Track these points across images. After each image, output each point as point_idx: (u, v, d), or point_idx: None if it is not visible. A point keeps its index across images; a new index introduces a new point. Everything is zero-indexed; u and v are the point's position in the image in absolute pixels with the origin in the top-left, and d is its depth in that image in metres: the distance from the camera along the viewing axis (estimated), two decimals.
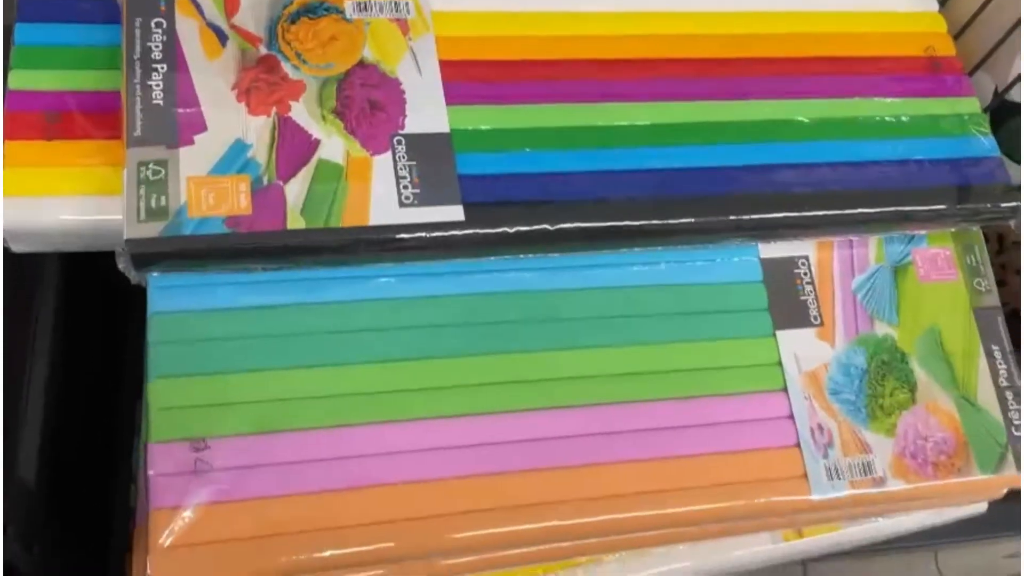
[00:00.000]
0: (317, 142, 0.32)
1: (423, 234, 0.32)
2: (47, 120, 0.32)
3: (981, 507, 0.41)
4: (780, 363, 0.36)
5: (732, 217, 0.35)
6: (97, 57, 0.34)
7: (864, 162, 0.38)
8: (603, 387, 0.34)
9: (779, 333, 0.36)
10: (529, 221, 0.33)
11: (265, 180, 0.31)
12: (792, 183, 0.36)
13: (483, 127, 0.34)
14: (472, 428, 0.32)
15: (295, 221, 0.31)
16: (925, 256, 0.39)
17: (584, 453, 0.33)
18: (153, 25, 0.33)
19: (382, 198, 0.32)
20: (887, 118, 0.39)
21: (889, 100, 0.39)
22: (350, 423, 0.31)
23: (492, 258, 0.33)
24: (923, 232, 0.39)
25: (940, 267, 0.39)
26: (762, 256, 0.37)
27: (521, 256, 0.34)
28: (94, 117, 0.33)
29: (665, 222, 0.34)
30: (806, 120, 0.38)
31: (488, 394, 0.33)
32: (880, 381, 0.37)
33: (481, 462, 0.31)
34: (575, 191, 0.34)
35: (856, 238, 0.38)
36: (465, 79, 0.35)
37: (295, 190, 0.31)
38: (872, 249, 0.39)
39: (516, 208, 0.33)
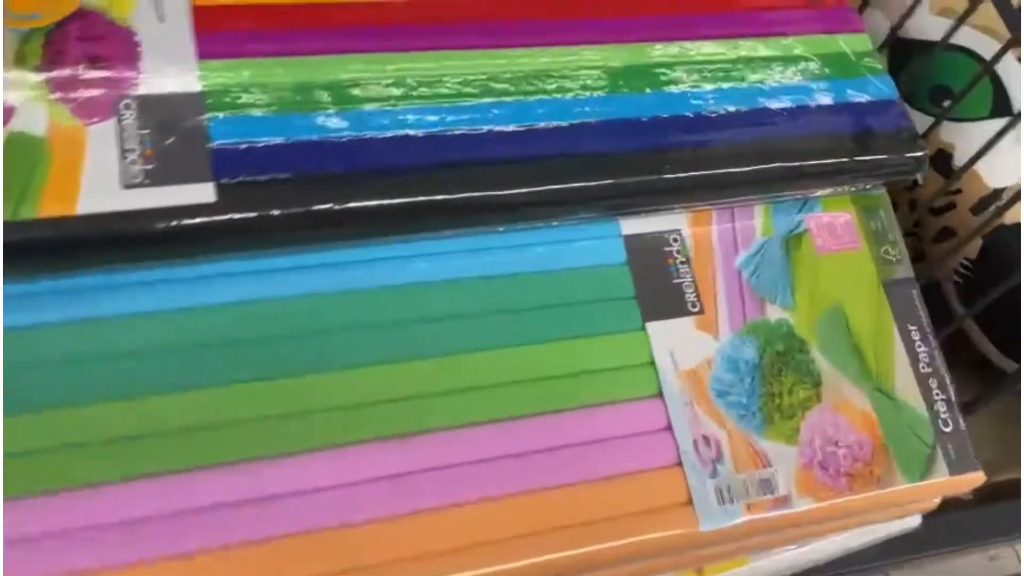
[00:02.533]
0: (10, 111, 0.24)
1: (157, 223, 0.24)
2: None
3: (914, 521, 0.34)
4: (653, 362, 0.29)
5: (578, 184, 0.28)
6: None
7: (738, 113, 0.31)
8: (428, 410, 0.27)
9: (650, 325, 0.29)
10: (310, 200, 0.25)
11: None
12: (654, 141, 0.30)
13: (246, 86, 0.26)
14: (236, 479, 0.24)
15: None
16: (821, 223, 0.33)
17: (406, 497, 0.26)
18: None
19: (97, 178, 0.24)
20: (762, 60, 0.32)
21: (764, 39, 0.32)
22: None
23: (264, 254, 0.26)
24: (817, 195, 0.33)
25: (840, 235, 0.33)
26: (624, 233, 0.31)
27: (306, 250, 0.26)
28: None
29: (489, 194, 0.27)
30: (660, 65, 0.31)
31: (269, 431, 0.25)
32: (776, 377, 0.30)
33: (247, 525, 0.24)
34: (371, 159, 0.26)
35: (738, 207, 0.32)
36: (224, 27, 0.27)
37: None
38: (758, 219, 0.32)
39: (291, 185, 0.25)
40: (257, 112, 0.26)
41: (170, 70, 0.26)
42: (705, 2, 0.32)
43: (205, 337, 0.25)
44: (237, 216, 0.24)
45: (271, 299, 0.26)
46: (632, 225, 0.30)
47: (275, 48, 0.27)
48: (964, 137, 0.37)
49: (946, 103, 0.36)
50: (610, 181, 0.28)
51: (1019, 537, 0.38)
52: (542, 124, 0.28)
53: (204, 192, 0.24)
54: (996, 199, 0.36)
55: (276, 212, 0.25)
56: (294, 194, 0.25)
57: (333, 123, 0.26)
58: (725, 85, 0.32)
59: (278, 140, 0.26)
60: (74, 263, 0.24)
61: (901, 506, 0.31)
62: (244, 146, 0.25)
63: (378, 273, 0.28)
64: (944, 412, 0.31)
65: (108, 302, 0.25)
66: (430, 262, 0.28)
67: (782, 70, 0.32)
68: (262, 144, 0.26)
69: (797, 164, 0.31)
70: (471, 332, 0.28)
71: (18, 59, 0.25)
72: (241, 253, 0.25)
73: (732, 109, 0.31)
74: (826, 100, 0.32)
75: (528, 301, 0.29)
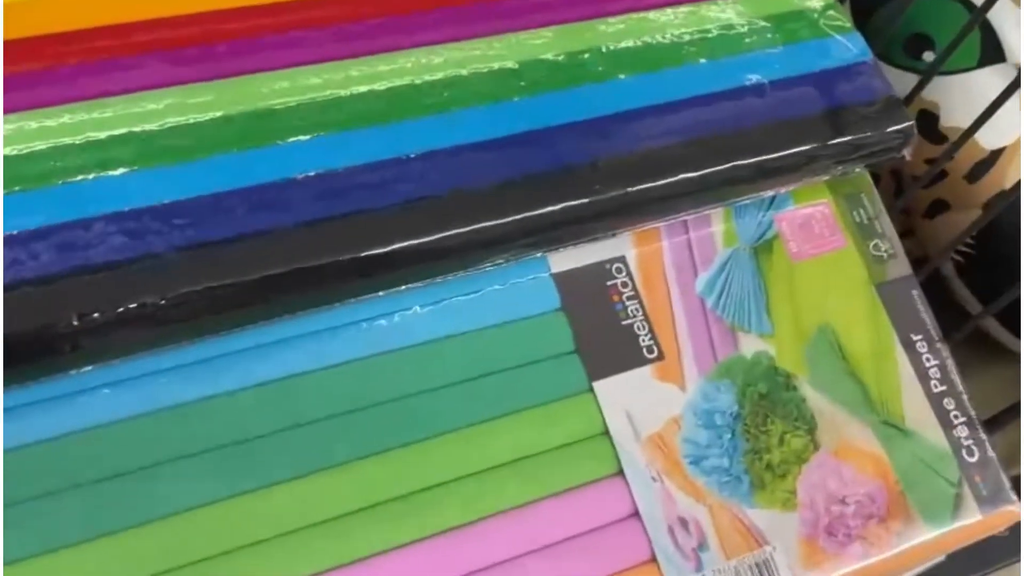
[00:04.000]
0: None
1: None
2: None
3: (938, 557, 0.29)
4: (606, 431, 0.23)
5: (479, 225, 0.22)
6: None
7: (675, 105, 0.25)
8: (346, 532, 0.21)
9: (598, 385, 0.24)
10: (140, 290, 0.19)
11: None
12: (572, 154, 0.24)
13: (39, 146, 0.20)
14: None
15: None
16: (794, 222, 0.27)
17: None
18: None
19: None
20: (695, 34, 0.26)
21: (694, 5, 0.26)
22: None
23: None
24: (785, 189, 0.27)
25: (818, 234, 0.27)
26: (554, 271, 0.24)
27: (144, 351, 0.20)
28: None
29: (368, 254, 0.21)
30: (564, 56, 0.25)
31: None
32: (761, 427, 0.24)
33: None
34: (196, 228, 0.20)
35: (690, 216, 0.26)
36: (11, 70, 0.21)
37: None
38: (717, 226, 0.26)
39: (89, 279, 0.19)
40: (57, 180, 0.19)
41: None
42: None
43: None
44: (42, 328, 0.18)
45: (150, 413, 0.20)
46: (563, 259, 0.24)
47: (47, 96, 0.20)
48: (949, 93, 0.31)
49: (926, 55, 0.31)
50: (524, 215, 0.22)
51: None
52: (419, 152, 0.22)
53: None
54: (993, 162, 0.31)
55: (73, 321, 0.18)
56: (98, 292, 0.19)
57: (170, 181, 0.19)
58: (653, 71, 0.25)
59: (66, 220, 0.19)
60: None
61: (927, 556, 0.26)
62: (45, 230, 0.19)
63: (257, 364, 0.22)
64: (966, 437, 0.25)
65: None
66: (300, 348, 0.22)
67: (722, 43, 0.26)
68: (76, 221, 0.19)
69: (756, 160, 0.25)
70: (374, 427, 0.22)
71: None
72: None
73: (666, 101, 0.25)
74: (783, 74, 0.26)
75: (444, 375, 0.23)
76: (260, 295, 0.19)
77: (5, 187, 0.19)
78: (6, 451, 0.19)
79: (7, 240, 0.18)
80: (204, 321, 0.19)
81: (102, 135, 0.19)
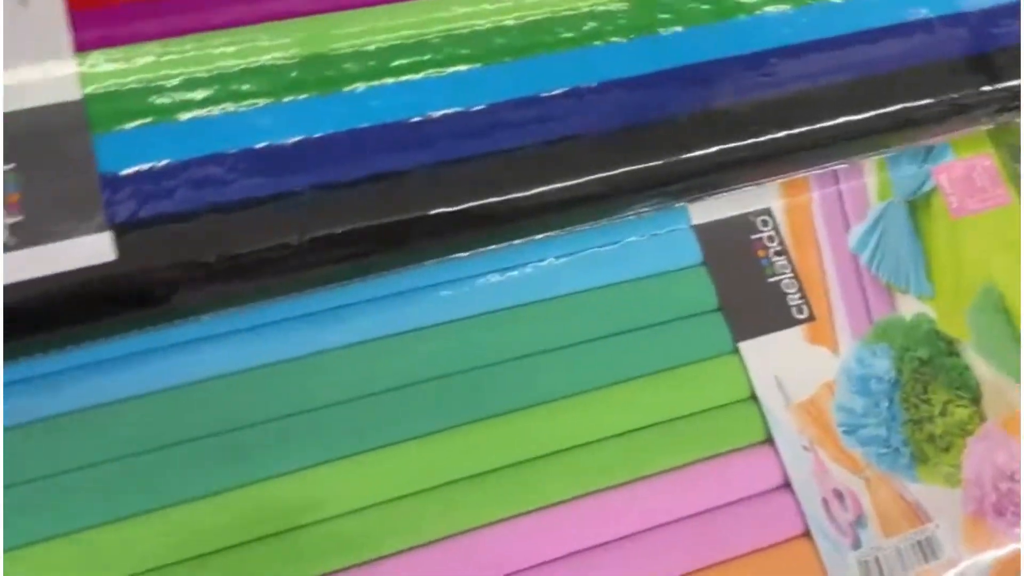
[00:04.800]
0: None
1: (33, 302, 0.17)
2: None
3: None
4: (754, 395, 0.22)
5: (625, 170, 0.20)
6: None
7: (827, 41, 0.23)
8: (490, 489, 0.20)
9: (744, 346, 0.22)
10: (259, 236, 0.18)
11: None
12: (719, 93, 0.22)
13: (144, 81, 0.19)
14: None
15: None
16: (954, 175, 0.25)
17: None
18: None
19: None
20: None
21: None
22: None
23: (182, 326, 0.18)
24: (944, 139, 0.24)
25: (981, 188, 0.25)
26: (695, 222, 0.23)
27: (257, 303, 0.19)
28: None
29: (512, 197, 0.19)
30: None
31: None
32: (922, 396, 0.22)
33: None
34: (332, 167, 0.19)
35: (842, 165, 0.24)
36: (105, 3, 0.19)
37: None
38: (870, 176, 0.24)
39: (227, 218, 0.18)
40: (165, 118, 0.18)
41: (38, 71, 0.18)
42: None
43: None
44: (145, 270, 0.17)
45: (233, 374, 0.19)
46: (704, 210, 0.23)
47: (177, 23, 0.19)
48: None
49: None
50: (668, 159, 0.21)
51: None
52: (559, 90, 0.20)
53: (99, 246, 0.17)
54: None
55: (211, 260, 0.17)
56: (236, 230, 0.18)
57: (269, 121, 0.18)
58: (801, 6, 0.23)
59: (198, 155, 0.18)
60: None
61: None
62: (151, 171, 0.18)
63: (382, 316, 0.20)
64: None
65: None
66: (422, 301, 0.20)
67: None
68: (176, 164, 0.18)
69: (914, 105, 0.22)
70: (520, 381, 0.20)
71: None
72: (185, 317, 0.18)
73: (822, 38, 0.23)
74: (949, 9, 0.24)
75: (579, 331, 0.21)
76: (393, 239, 0.18)
77: (134, 119, 0.18)
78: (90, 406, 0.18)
79: (138, 176, 0.17)
80: (335, 268, 0.18)
81: (231, 66, 0.18)
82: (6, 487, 0.18)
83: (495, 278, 0.21)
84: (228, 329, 0.19)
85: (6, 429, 0.17)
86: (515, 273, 0.21)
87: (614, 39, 0.21)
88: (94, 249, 0.17)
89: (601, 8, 0.22)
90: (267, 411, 0.19)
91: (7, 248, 0.17)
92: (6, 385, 0.17)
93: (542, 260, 0.21)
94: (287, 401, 0.19)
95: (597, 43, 0.21)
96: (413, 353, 0.20)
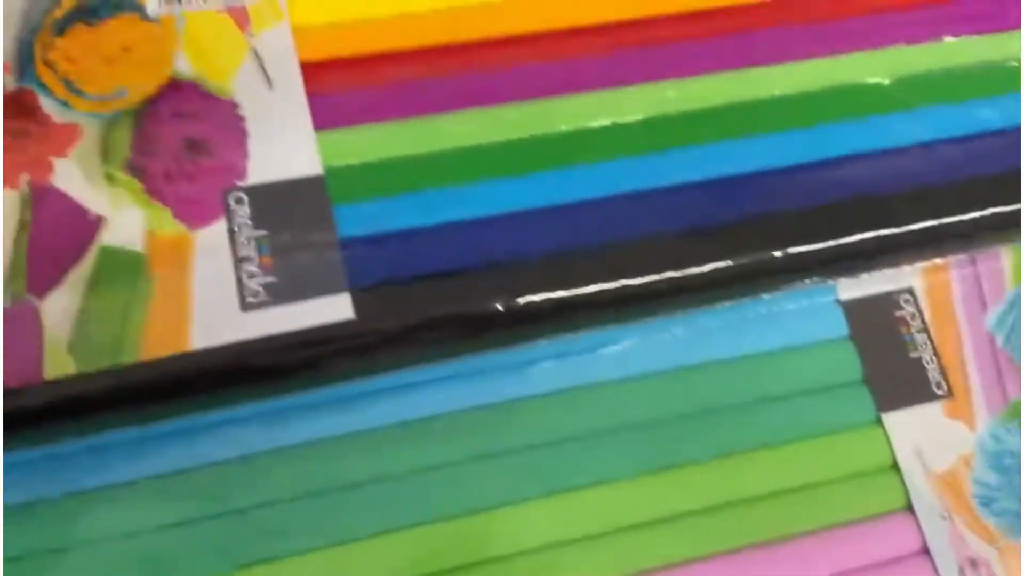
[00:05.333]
0: (98, 220, 0.20)
1: (287, 352, 0.19)
2: None
3: None
4: (896, 465, 0.23)
5: (784, 252, 0.22)
6: None
7: (968, 139, 0.24)
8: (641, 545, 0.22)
9: (887, 417, 0.23)
10: (476, 299, 0.20)
11: (8, 297, 0.19)
12: (874, 180, 0.24)
13: (375, 158, 0.21)
14: None
15: (58, 364, 0.18)
16: None
17: None
18: None
19: (211, 301, 0.19)
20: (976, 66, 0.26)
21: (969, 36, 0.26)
22: None
23: (406, 371, 0.21)
24: None
25: None
26: (843, 297, 0.24)
27: (457, 357, 0.21)
28: None
29: (683, 274, 0.22)
30: (879, 80, 0.25)
31: None
32: None
33: None
34: (534, 241, 0.21)
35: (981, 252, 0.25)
36: (341, 87, 0.22)
37: (59, 308, 0.19)
38: (1005, 259, 0.26)
39: (447, 284, 0.20)
40: (396, 191, 0.21)
41: (283, 149, 0.21)
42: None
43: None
44: (384, 329, 0.19)
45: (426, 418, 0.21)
46: (851, 286, 0.24)
47: (408, 105, 0.22)
48: None
49: None
50: (829, 243, 0.22)
51: None
52: (752, 171, 0.22)
53: (340, 306, 0.20)
54: None
55: (436, 316, 0.20)
56: (457, 293, 0.20)
57: (494, 194, 0.21)
58: (932, 103, 0.25)
59: (426, 224, 0.21)
60: (187, 404, 0.19)
61: None
62: (385, 239, 0.20)
63: (570, 370, 0.22)
64: None
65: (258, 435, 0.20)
66: (615, 358, 0.22)
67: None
68: (406, 232, 0.21)
69: None
70: (671, 441, 0.22)
71: (104, 151, 0.20)
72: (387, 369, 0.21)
73: (954, 135, 0.24)
74: None
75: (733, 394, 0.23)
76: (610, 304, 0.20)
77: (369, 191, 0.20)
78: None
79: (373, 242, 0.20)
80: (544, 327, 0.21)
81: (461, 145, 0.21)
82: (238, 512, 0.20)
83: (664, 338, 0.23)
84: (438, 376, 0.21)
85: (260, 454, 0.20)
86: (679, 331, 0.23)
87: (790, 128, 0.23)
88: (335, 308, 0.19)
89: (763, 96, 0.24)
90: (463, 450, 0.21)
91: (263, 305, 0.19)
92: (253, 417, 0.20)
93: (702, 324, 0.23)
94: (481, 441, 0.21)
95: (775, 130, 0.23)
96: (598, 404, 0.22)
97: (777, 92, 0.24)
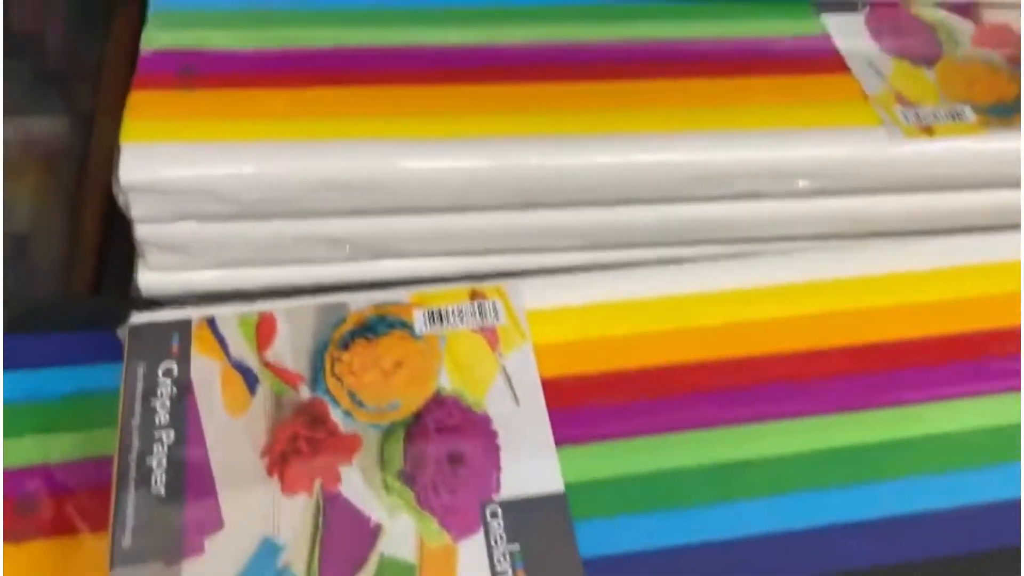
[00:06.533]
0: (377, 528, 0.23)
1: None
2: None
3: None
4: None
5: None
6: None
7: None
8: None
9: None
10: None
11: None
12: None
13: (611, 477, 0.24)
14: None
15: None
16: None
17: None
18: (161, 373, 0.25)
19: None
20: None
21: None
22: None
23: None
24: None
25: None
26: None
27: None
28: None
29: None
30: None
31: None
32: None
33: None
34: (793, 565, 0.23)
35: None
36: (576, 404, 0.25)
37: None
38: None
39: None
40: (630, 510, 0.23)
41: (530, 465, 0.24)
42: None
43: None
44: None
45: None
46: None
47: (638, 425, 0.25)
48: None
49: None
50: None
51: None
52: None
53: None
54: None
55: None
56: None
57: (732, 517, 0.23)
58: None
59: (656, 545, 0.23)
60: None
61: None
62: (620, 558, 0.23)
63: None
64: None
65: None
66: None
67: None
68: (640, 553, 0.23)
69: None
70: None
71: (383, 462, 0.24)
72: None
73: None
74: None
75: None
76: None
77: (609, 509, 0.23)
78: None
79: (615, 561, 0.22)
80: None
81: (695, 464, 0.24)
82: None
83: None
84: None
85: None
86: None
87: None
88: None
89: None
90: None
91: None
92: None
93: None
94: None
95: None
96: None
97: None
